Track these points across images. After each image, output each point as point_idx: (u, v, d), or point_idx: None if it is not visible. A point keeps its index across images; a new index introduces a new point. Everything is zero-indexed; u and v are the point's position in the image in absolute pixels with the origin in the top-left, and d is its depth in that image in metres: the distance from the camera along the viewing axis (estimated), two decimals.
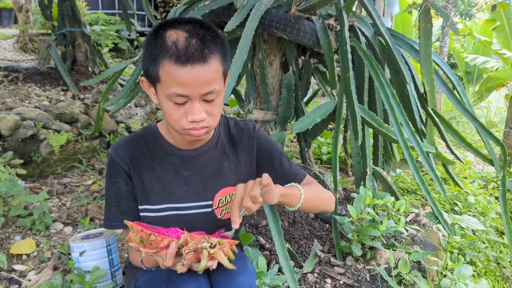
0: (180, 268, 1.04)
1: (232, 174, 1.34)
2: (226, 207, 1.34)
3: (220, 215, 1.33)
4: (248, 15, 1.92)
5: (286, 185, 1.24)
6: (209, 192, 1.31)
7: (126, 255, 2.05)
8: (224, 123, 1.37)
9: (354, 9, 2.26)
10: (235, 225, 1.06)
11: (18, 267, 1.91)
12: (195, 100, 1.08)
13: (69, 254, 1.93)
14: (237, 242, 1.10)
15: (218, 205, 1.32)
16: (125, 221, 1.09)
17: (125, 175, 1.26)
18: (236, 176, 1.34)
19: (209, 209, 1.31)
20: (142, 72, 1.18)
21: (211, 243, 1.03)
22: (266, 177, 1.05)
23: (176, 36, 1.06)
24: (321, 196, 1.34)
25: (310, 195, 1.25)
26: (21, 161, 2.71)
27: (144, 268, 1.28)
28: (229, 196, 1.34)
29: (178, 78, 1.04)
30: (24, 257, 2.00)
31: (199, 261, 1.06)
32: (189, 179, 1.30)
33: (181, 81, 1.04)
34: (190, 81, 1.04)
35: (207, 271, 1.22)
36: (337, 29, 2.16)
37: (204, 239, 1.03)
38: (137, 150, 1.27)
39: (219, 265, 1.12)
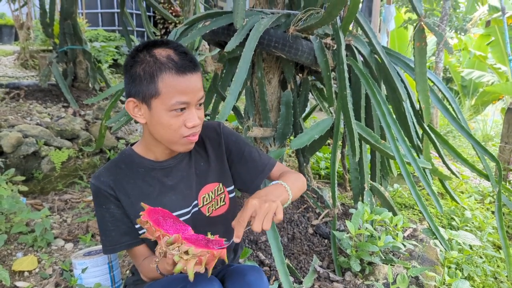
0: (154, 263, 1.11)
1: (208, 171, 1.40)
2: (212, 204, 1.40)
3: (208, 212, 1.39)
4: (248, 35, 1.97)
5: (272, 183, 1.27)
6: (195, 193, 1.37)
7: (127, 271, 2.07)
8: None
9: (350, 28, 2.32)
10: (238, 240, 1.09)
11: (20, 284, 1.92)
12: (192, 107, 1.19)
13: (71, 270, 1.94)
14: (222, 253, 1.09)
15: (203, 203, 1.38)
16: (142, 204, 1.14)
17: (114, 199, 1.29)
18: (211, 172, 1.41)
19: (196, 209, 1.37)
20: (126, 96, 1.24)
21: (181, 250, 1.04)
22: (279, 218, 1.11)
23: (166, 52, 1.17)
24: (299, 186, 1.37)
25: (295, 188, 1.29)
26: (23, 177, 2.73)
27: (159, 272, 1.28)
28: (212, 192, 1.40)
29: (181, 87, 1.14)
30: (26, 273, 2.01)
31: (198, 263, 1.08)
32: (175, 188, 1.34)
33: (183, 90, 1.15)
34: (190, 88, 1.16)
35: (222, 283, 1.28)
36: (334, 48, 2.22)
37: (180, 243, 1.05)
38: (119, 174, 1.31)
39: (235, 277, 1.23)
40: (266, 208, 1.10)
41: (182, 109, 1.17)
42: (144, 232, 1.09)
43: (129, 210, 1.30)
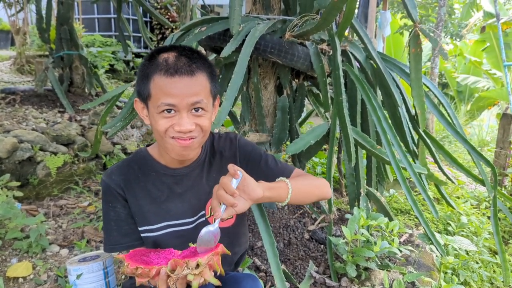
0: None
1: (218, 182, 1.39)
2: None
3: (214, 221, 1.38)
4: (244, 40, 1.98)
5: (277, 180, 1.28)
6: (203, 204, 1.37)
7: (122, 277, 2.06)
8: (209, 137, 1.44)
9: (346, 34, 2.33)
10: (218, 214, 1.10)
11: None
12: (183, 111, 1.14)
13: (66, 276, 1.93)
14: (222, 248, 1.11)
15: (210, 213, 1.37)
16: (115, 256, 1.12)
17: (121, 199, 1.30)
18: None
19: (203, 219, 1.37)
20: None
21: (191, 267, 1.04)
22: (231, 167, 1.09)
23: (167, 55, 1.16)
24: (312, 183, 1.37)
25: (299, 185, 1.29)
26: (18, 183, 2.72)
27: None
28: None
29: (167, 88, 1.11)
30: (20, 280, 2.00)
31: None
32: (183, 196, 1.34)
33: (169, 91, 1.12)
34: (177, 90, 1.12)
35: None
36: (330, 54, 2.22)
37: (184, 263, 1.05)
38: (130, 174, 1.32)
39: (231, 285, 1.21)
40: (224, 177, 1.11)
41: (169, 111, 1.14)
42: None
43: (135, 211, 1.31)
